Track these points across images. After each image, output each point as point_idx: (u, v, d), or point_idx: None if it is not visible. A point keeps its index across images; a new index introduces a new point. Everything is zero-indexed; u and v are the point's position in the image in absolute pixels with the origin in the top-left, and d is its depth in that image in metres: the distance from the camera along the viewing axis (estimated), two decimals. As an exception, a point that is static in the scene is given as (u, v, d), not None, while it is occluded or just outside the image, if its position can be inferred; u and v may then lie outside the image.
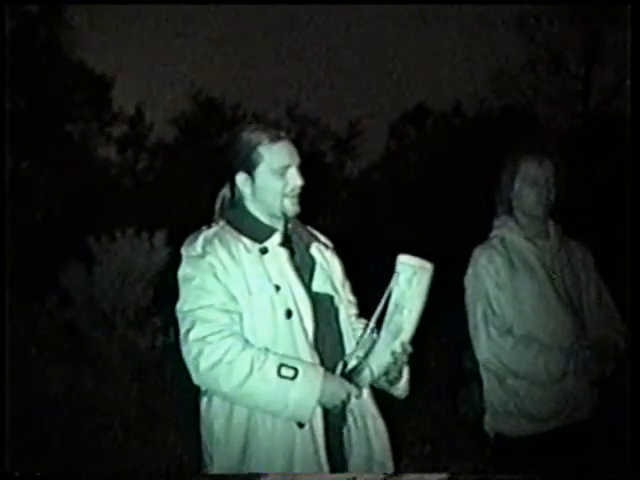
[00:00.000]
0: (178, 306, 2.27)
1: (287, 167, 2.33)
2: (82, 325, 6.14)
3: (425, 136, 25.18)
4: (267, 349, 2.19)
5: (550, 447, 2.83)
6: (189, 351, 2.17)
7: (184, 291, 2.26)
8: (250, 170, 2.34)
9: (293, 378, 2.14)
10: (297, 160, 2.37)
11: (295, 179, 2.34)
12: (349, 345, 2.39)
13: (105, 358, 6.00)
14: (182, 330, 2.22)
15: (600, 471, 2.92)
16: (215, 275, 2.21)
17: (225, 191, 2.48)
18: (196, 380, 2.20)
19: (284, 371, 2.14)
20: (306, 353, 2.25)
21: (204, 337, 2.15)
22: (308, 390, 2.15)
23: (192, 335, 2.16)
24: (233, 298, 2.22)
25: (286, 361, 2.17)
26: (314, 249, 2.46)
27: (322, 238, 2.55)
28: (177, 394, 5.46)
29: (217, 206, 2.48)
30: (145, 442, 4.85)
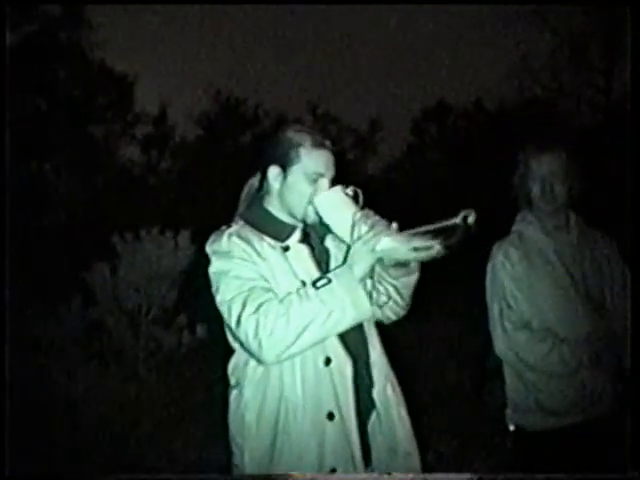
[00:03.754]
0: (220, 298, 2.24)
1: (320, 175, 2.34)
2: (108, 324, 6.19)
3: (446, 132, 25.14)
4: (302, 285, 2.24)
5: (570, 442, 2.83)
6: (246, 330, 2.15)
7: (223, 284, 2.24)
8: (285, 166, 2.35)
9: (329, 282, 2.17)
10: (332, 172, 2.37)
11: (324, 190, 2.34)
12: (369, 333, 2.42)
13: (131, 357, 6.06)
14: (233, 318, 2.19)
15: (618, 467, 2.91)
16: (247, 266, 2.24)
17: (253, 181, 2.51)
18: (265, 355, 2.16)
19: (319, 283, 2.18)
20: (335, 344, 2.29)
21: (256, 310, 2.15)
22: (347, 279, 2.17)
23: (245, 314, 2.15)
24: (269, 283, 2.25)
25: (314, 278, 2.23)
26: (329, 241, 2.47)
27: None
28: (203, 392, 5.51)
29: (243, 195, 2.51)
30: (172, 440, 4.89)
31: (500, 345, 2.90)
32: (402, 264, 2.29)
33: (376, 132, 27.96)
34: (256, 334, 2.12)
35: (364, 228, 2.18)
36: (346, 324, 2.18)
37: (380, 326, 2.50)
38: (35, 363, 5.43)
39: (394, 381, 2.46)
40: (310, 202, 2.32)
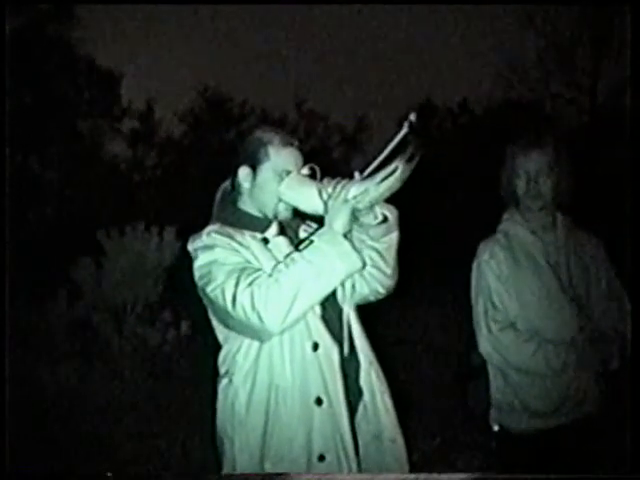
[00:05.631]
0: (212, 286, 2.23)
1: (289, 173, 2.36)
2: (93, 320, 6.18)
3: (432, 131, 25.13)
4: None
5: (554, 443, 2.83)
6: (243, 305, 2.14)
7: (213, 272, 2.24)
8: (254, 165, 2.38)
9: (311, 242, 2.19)
10: (300, 170, 2.40)
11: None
12: (352, 320, 2.46)
13: (115, 353, 6.05)
14: (228, 299, 2.17)
15: (607, 469, 2.91)
16: (233, 253, 2.25)
17: (226, 184, 2.53)
18: (268, 326, 2.16)
19: (302, 245, 2.20)
20: (321, 330, 2.31)
21: (249, 284, 2.15)
22: (329, 235, 2.20)
23: (239, 290, 2.15)
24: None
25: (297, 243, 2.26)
26: (302, 232, 2.49)
27: (309, 222, 2.57)
28: (188, 388, 5.51)
29: (216, 200, 2.52)
30: (156, 437, 4.87)
31: (485, 345, 2.89)
32: (383, 221, 2.33)
33: (362, 131, 27.95)
34: (253, 307, 2.12)
35: (330, 189, 2.23)
36: (338, 278, 2.20)
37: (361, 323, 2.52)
38: (19, 358, 5.41)
39: (378, 368, 2.49)
40: (280, 200, 2.36)
